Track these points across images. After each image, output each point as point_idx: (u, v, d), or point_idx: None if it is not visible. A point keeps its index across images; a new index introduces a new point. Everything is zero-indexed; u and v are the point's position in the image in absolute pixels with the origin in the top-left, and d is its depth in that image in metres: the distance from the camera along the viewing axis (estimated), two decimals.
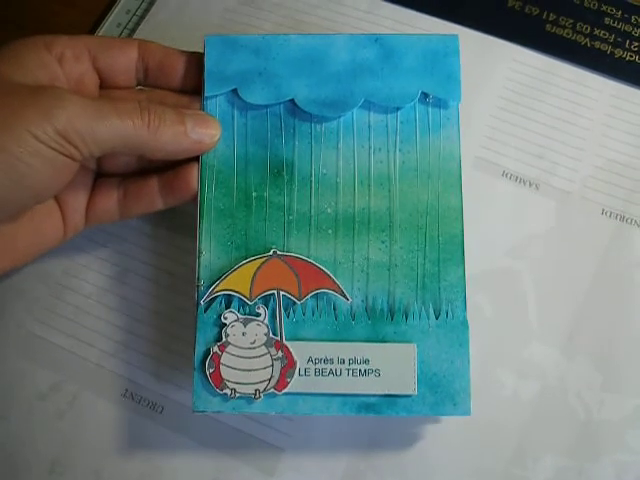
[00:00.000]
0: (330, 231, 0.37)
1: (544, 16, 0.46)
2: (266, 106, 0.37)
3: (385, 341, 0.35)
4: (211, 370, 0.35)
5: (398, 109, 0.37)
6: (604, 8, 0.47)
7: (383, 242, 0.37)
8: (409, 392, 0.35)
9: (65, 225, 0.37)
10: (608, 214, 0.43)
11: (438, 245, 0.36)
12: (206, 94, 0.37)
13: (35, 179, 0.32)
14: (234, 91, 0.37)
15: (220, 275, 0.36)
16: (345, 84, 0.37)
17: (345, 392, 0.35)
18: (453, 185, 0.37)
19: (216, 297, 0.36)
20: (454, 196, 0.37)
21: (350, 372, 0.35)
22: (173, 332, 0.41)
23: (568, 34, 0.46)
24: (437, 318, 0.36)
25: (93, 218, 0.38)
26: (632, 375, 0.40)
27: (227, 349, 0.35)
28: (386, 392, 0.35)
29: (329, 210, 0.37)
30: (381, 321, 0.36)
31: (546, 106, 0.45)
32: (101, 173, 0.39)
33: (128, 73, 0.38)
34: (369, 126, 0.38)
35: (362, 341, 0.35)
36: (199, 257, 0.36)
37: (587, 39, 0.46)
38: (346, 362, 0.35)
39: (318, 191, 0.37)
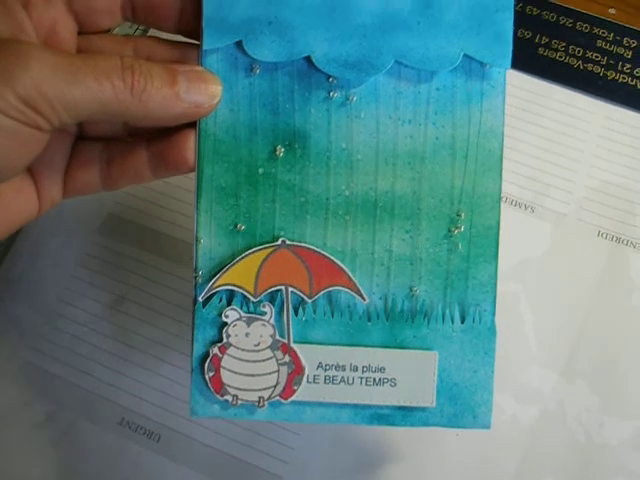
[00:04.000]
0: (348, 217, 0.32)
1: (536, 39, 0.47)
2: (276, 64, 0.31)
3: (403, 347, 0.32)
4: (211, 374, 0.31)
5: (434, 74, 0.31)
6: (596, 31, 0.47)
7: (407, 232, 0.32)
8: (427, 404, 0.32)
9: (40, 199, 0.32)
10: (604, 235, 0.42)
11: (469, 238, 0.32)
12: (205, 47, 0.31)
13: None
14: (238, 44, 0.31)
15: (221, 266, 0.31)
16: (372, 40, 0.31)
17: (357, 402, 0.32)
18: (492, 168, 0.32)
19: (216, 292, 0.32)
20: (492, 181, 0.32)
21: (363, 381, 0.32)
22: (170, 360, 0.39)
23: (560, 57, 0.47)
24: (462, 322, 0.32)
25: (72, 190, 0.33)
26: (631, 397, 0.40)
27: (228, 351, 0.31)
28: (402, 404, 0.32)
29: (347, 192, 0.32)
30: (400, 323, 0.32)
31: (540, 129, 0.45)
32: (81, 136, 0.33)
33: (111, 13, 0.31)
34: (398, 93, 0.31)
35: (378, 346, 0.32)
36: (197, 244, 0.32)
37: (579, 62, 0.47)
38: (359, 370, 0.32)
39: (335, 169, 0.32)
